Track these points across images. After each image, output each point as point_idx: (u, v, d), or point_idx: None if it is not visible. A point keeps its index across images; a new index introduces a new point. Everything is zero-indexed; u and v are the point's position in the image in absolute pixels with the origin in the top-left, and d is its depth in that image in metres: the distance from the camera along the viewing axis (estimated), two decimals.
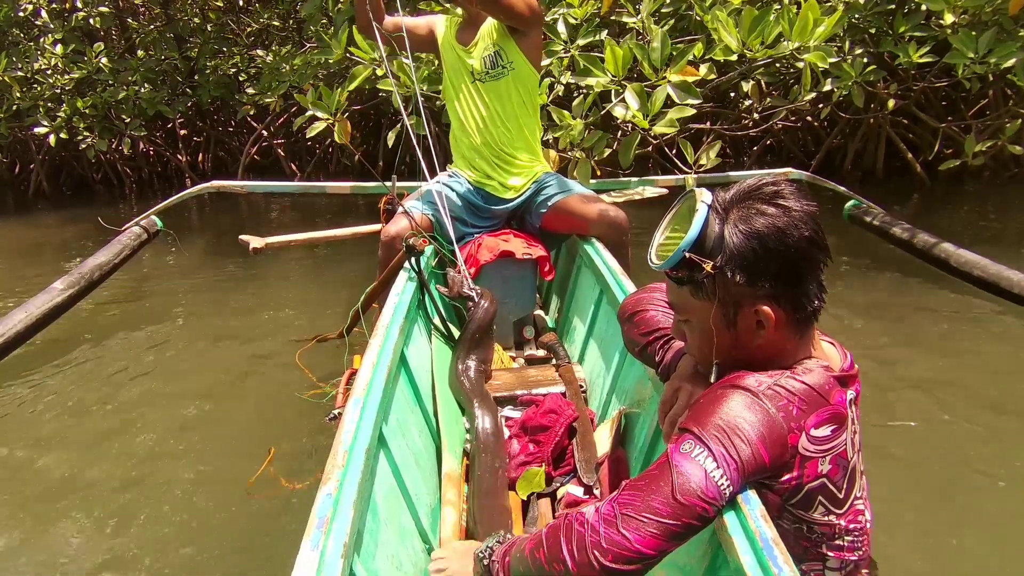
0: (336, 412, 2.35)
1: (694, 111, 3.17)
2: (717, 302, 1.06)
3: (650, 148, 5.10)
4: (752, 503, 1.00)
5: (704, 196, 1.06)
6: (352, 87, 3.93)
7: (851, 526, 1.08)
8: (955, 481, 2.16)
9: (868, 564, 1.13)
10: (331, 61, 4.77)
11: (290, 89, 5.86)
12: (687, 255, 1.05)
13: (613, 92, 3.37)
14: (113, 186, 8.49)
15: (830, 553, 1.08)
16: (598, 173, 3.85)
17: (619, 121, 3.96)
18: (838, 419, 1.03)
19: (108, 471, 2.41)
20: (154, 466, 2.42)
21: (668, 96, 3.09)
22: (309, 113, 3.98)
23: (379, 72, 4.00)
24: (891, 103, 5.37)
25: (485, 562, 1.10)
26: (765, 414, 0.99)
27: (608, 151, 3.60)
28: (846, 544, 1.08)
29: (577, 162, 3.53)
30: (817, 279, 1.06)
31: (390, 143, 4.36)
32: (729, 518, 1.00)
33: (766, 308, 1.04)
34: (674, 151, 3.55)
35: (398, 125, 4.23)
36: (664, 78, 3.11)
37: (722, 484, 0.95)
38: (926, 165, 6.10)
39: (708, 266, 1.03)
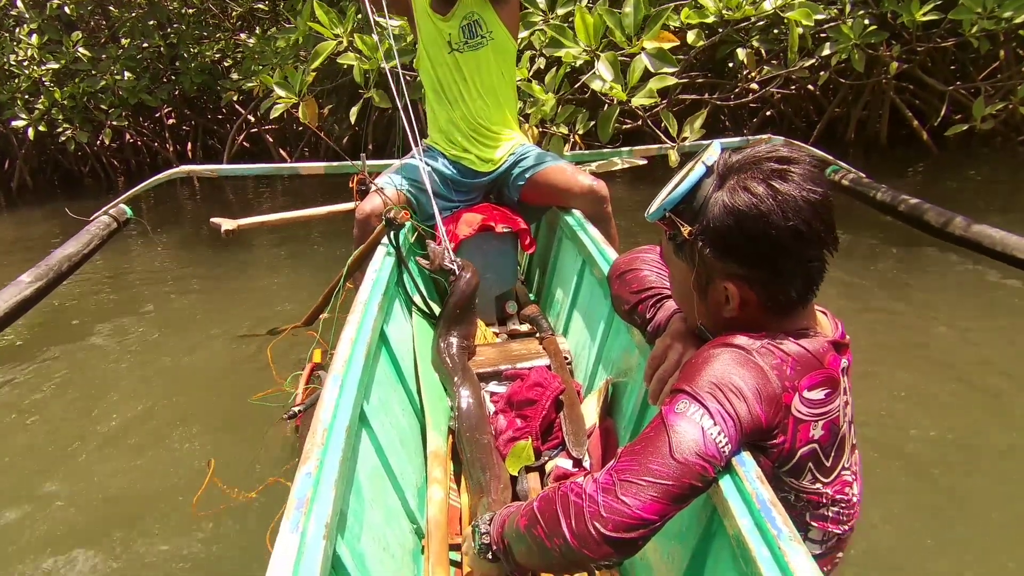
0: (296, 409, 2.31)
1: (675, 80, 3.06)
2: (694, 267, 1.03)
3: (640, 122, 4.99)
4: (748, 465, 0.97)
5: (709, 155, 1.01)
6: (315, 65, 3.79)
7: (838, 496, 1.05)
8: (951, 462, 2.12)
9: (846, 544, 1.11)
10: (294, 38, 4.60)
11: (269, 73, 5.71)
12: (667, 213, 1.02)
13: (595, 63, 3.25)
14: (101, 179, 8.26)
15: (814, 523, 1.06)
16: (580, 146, 3.77)
17: (604, 95, 3.86)
18: (832, 383, 1.00)
19: (45, 494, 2.26)
20: (91, 484, 2.30)
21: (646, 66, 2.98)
22: (274, 94, 3.86)
23: (342, 45, 3.86)
24: (894, 66, 5.09)
25: (488, 555, 1.08)
26: (759, 371, 0.95)
27: (592, 124, 3.50)
28: (831, 515, 1.06)
29: (551, 137, 3.44)
30: (803, 271, 0.99)
31: (353, 119, 4.24)
32: (724, 482, 0.97)
33: (732, 287, 1.01)
34: (663, 124, 3.45)
35: (360, 102, 4.09)
36: (640, 46, 2.98)
37: (720, 442, 0.91)
38: (933, 132, 5.81)
39: (685, 231, 1.01)
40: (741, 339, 0.99)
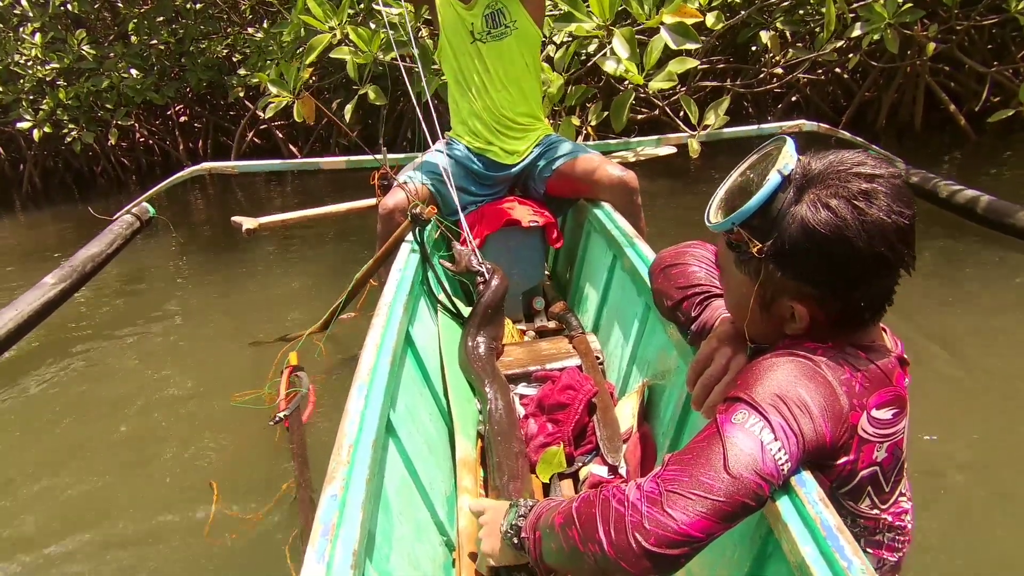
0: (281, 415, 2.28)
1: (695, 63, 2.90)
2: (758, 283, 0.95)
3: (656, 111, 4.82)
4: (808, 485, 0.89)
5: (785, 161, 0.90)
6: (310, 60, 3.65)
7: (896, 523, 0.98)
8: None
9: (899, 570, 1.03)
10: (288, 32, 4.50)
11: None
12: (735, 228, 0.93)
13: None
14: (111, 179, 8.22)
15: (869, 550, 0.98)
16: (593, 137, 3.65)
17: (617, 80, 3.70)
18: (900, 403, 0.92)
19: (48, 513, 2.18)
20: (92, 520, 2.17)
21: (665, 45, 2.76)
22: (270, 92, 3.75)
23: (336, 39, 3.72)
24: (930, 47, 4.76)
25: (515, 539, 1.03)
26: (827, 385, 0.87)
27: (605, 113, 3.34)
28: (886, 542, 0.98)
29: (561, 124, 3.30)
30: (880, 292, 0.92)
31: (347, 117, 4.13)
32: (781, 503, 0.89)
33: (801, 307, 0.92)
34: (682, 112, 3.27)
35: (354, 99, 3.98)
36: (660, 20, 2.74)
37: (780, 459, 0.83)
38: (971, 117, 5.47)
39: (755, 248, 0.91)
40: (809, 349, 0.91)
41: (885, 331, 1.01)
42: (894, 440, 0.92)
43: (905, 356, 0.98)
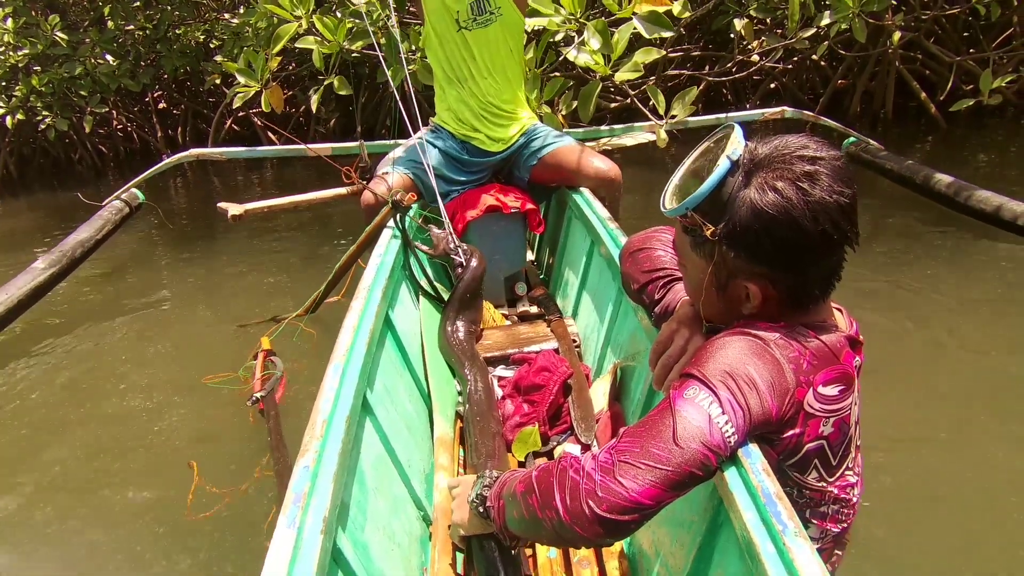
0: (257, 395, 2.33)
1: (661, 53, 2.88)
2: (712, 265, 0.99)
3: (628, 100, 4.79)
4: (753, 456, 0.94)
5: (733, 148, 0.95)
6: (277, 49, 3.59)
7: (841, 495, 1.02)
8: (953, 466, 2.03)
9: (844, 544, 1.08)
10: (255, 20, 4.42)
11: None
12: (688, 212, 0.98)
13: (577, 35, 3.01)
14: (89, 166, 8.06)
15: (813, 520, 1.03)
16: (566, 126, 3.67)
17: (586, 71, 3.64)
18: (846, 380, 0.96)
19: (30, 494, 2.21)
20: (75, 498, 2.20)
21: (636, 35, 2.74)
22: (241, 82, 3.68)
23: (303, 28, 3.63)
24: (896, 36, 4.76)
25: (480, 508, 1.07)
26: (775, 363, 0.92)
27: (576, 103, 3.33)
28: (831, 513, 1.03)
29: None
30: (827, 270, 0.97)
31: (314, 108, 4.13)
32: (729, 473, 0.94)
33: (754, 287, 0.97)
34: (651, 103, 3.25)
35: (320, 88, 3.97)
36: (632, 10, 2.75)
37: (727, 431, 0.88)
38: (942, 105, 5.47)
39: (708, 232, 0.96)
40: (759, 329, 0.95)
41: (841, 311, 1.06)
42: (841, 416, 0.97)
43: (859, 337, 1.02)
